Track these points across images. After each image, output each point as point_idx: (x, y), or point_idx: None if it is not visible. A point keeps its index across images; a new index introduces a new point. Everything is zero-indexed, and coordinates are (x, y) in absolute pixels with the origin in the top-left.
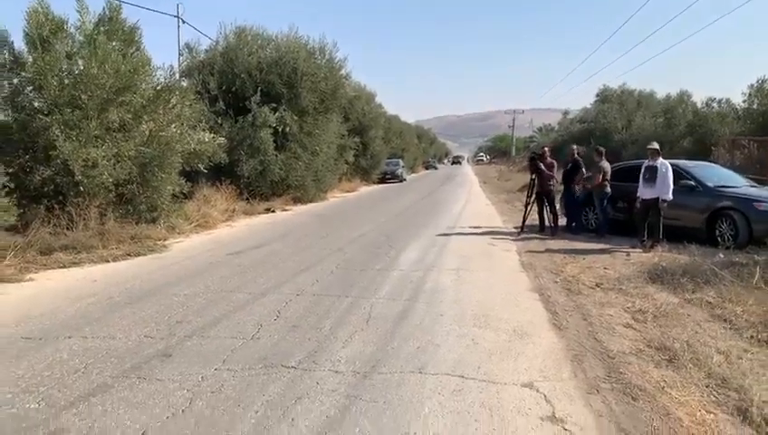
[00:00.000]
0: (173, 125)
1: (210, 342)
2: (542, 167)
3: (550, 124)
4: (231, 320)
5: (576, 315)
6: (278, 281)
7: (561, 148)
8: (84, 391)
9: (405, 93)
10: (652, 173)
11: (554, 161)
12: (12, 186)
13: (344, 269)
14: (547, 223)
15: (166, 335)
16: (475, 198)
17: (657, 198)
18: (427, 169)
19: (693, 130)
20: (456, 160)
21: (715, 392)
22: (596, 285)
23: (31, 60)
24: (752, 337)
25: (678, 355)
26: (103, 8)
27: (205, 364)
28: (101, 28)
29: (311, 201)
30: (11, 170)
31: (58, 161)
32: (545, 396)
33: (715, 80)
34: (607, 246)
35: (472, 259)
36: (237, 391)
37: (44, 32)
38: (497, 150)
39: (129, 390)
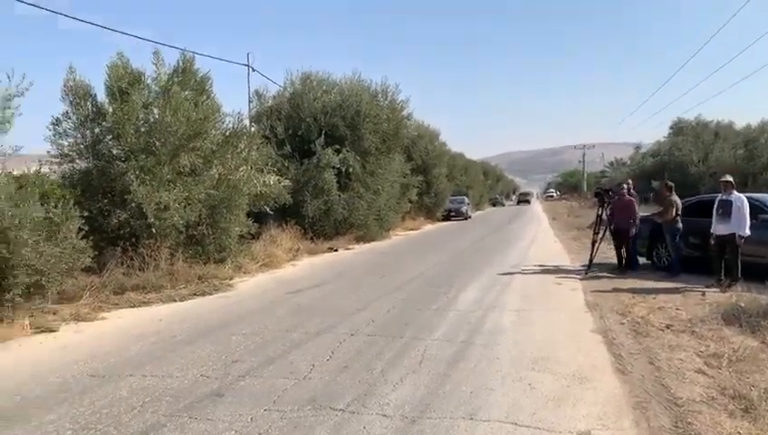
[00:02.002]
0: (241, 169)
1: (263, 382)
2: (608, 202)
3: (621, 158)
4: (285, 360)
5: (642, 359)
6: (334, 321)
7: (635, 184)
8: (138, 430)
9: (471, 131)
10: (726, 208)
11: (633, 199)
12: (87, 228)
13: (401, 309)
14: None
15: (221, 375)
16: (542, 235)
17: (734, 235)
18: (494, 205)
19: None
20: (524, 199)
21: None
22: (666, 326)
23: (111, 110)
24: None
25: (756, 404)
26: (177, 60)
27: (255, 405)
28: (175, 79)
29: (373, 240)
30: (87, 214)
31: (133, 205)
32: None
33: None
34: (679, 286)
35: (534, 299)
36: (284, 433)
37: (123, 84)
38: (567, 186)
39: (180, 430)
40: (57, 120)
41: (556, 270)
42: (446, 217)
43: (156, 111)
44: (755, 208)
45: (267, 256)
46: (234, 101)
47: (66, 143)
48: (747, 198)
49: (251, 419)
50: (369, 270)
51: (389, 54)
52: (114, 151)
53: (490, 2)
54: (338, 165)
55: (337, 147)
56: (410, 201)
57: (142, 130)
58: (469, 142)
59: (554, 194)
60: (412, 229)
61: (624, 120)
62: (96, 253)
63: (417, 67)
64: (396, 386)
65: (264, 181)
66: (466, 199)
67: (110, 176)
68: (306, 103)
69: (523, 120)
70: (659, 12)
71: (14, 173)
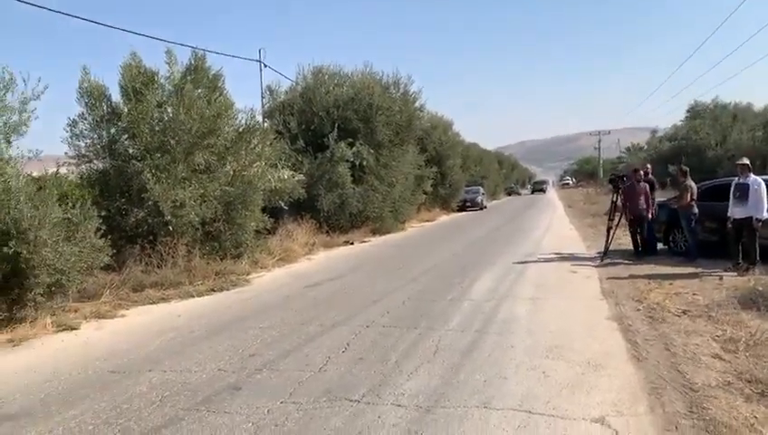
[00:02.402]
0: (255, 164)
1: (279, 375)
2: (623, 188)
3: (638, 144)
4: (301, 352)
5: (658, 345)
6: (350, 313)
7: (652, 168)
8: (157, 424)
9: (486, 120)
10: (743, 191)
11: (648, 184)
12: (105, 228)
13: (416, 300)
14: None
15: (238, 368)
16: (558, 223)
17: (751, 218)
18: (509, 195)
19: None
20: (539, 187)
21: None
22: (682, 312)
23: (126, 111)
24: None
25: None
26: (189, 58)
27: (272, 397)
28: (188, 77)
29: (388, 232)
30: (104, 213)
31: (149, 203)
32: (617, 432)
33: None
34: (697, 270)
35: (549, 287)
36: (300, 424)
37: (137, 84)
38: (583, 173)
39: (198, 422)
40: (73, 121)
41: (571, 258)
42: (462, 208)
43: (170, 109)
44: None
45: (283, 251)
46: (247, 97)
47: (83, 144)
48: (765, 180)
49: (267, 411)
50: (385, 262)
51: (400, 45)
52: (130, 151)
53: None
54: (351, 158)
55: (350, 140)
56: (425, 193)
57: (157, 128)
58: (484, 132)
59: (570, 181)
60: (427, 221)
61: (640, 104)
62: (115, 251)
63: (428, 56)
64: (410, 376)
65: (279, 176)
66: (481, 190)
67: (127, 175)
68: (318, 97)
69: (537, 107)
70: None
71: (34, 174)
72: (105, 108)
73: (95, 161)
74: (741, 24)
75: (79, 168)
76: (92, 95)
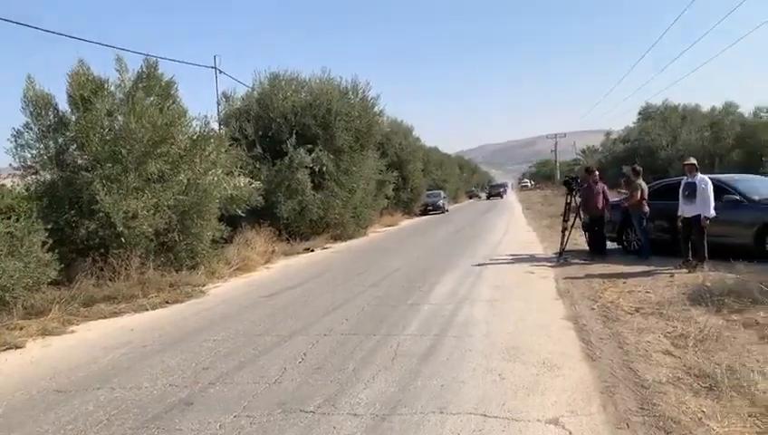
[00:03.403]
0: (210, 172)
1: (233, 388)
2: (578, 189)
3: (593, 146)
4: (256, 364)
5: (611, 344)
6: (308, 322)
7: (607, 169)
8: None
9: (446, 124)
10: (691, 190)
11: (603, 184)
12: (53, 241)
13: (375, 306)
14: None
15: (190, 383)
16: (516, 225)
17: (699, 216)
18: (470, 198)
19: (742, 143)
20: (496, 192)
21: (758, 423)
22: (635, 310)
23: (74, 120)
24: None
25: (720, 383)
26: (141, 65)
27: (225, 411)
28: (140, 85)
29: (350, 238)
30: (52, 226)
31: (100, 214)
32: (570, 433)
33: (764, 89)
34: (649, 269)
35: (507, 289)
36: None
37: (86, 92)
38: (541, 176)
39: None
40: (18, 131)
41: (529, 259)
42: (424, 212)
43: (120, 118)
44: (720, 190)
45: (241, 260)
46: (202, 104)
47: (29, 155)
48: (711, 179)
49: (219, 426)
50: (346, 269)
51: (359, 53)
52: (79, 161)
53: None
54: (311, 164)
55: (309, 146)
56: (387, 197)
57: (107, 138)
58: (445, 136)
59: (529, 184)
60: (390, 225)
61: (594, 107)
62: (64, 265)
63: (386, 64)
64: (367, 384)
65: (235, 184)
66: (443, 193)
67: (76, 186)
68: (276, 103)
69: (497, 111)
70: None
71: None
72: (52, 117)
73: (42, 172)
74: (690, 29)
75: (24, 179)
76: (38, 104)
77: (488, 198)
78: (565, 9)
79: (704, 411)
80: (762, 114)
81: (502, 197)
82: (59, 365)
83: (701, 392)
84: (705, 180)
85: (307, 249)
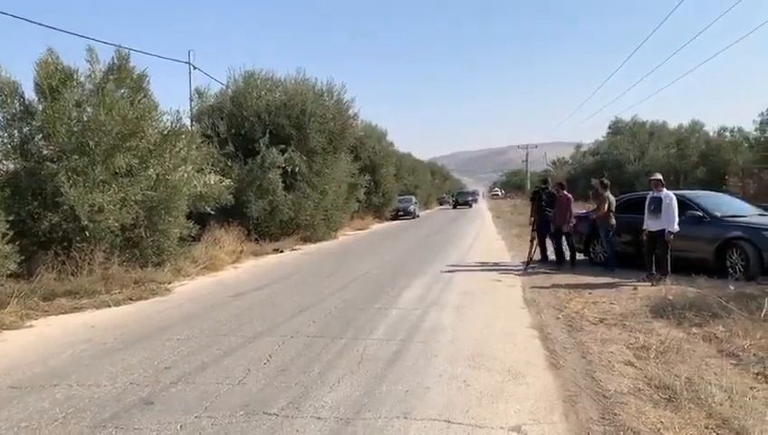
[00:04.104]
0: (180, 169)
1: (195, 388)
2: (545, 201)
3: (564, 157)
4: (219, 365)
5: (575, 353)
6: (274, 323)
7: (576, 181)
8: None
9: (419, 130)
10: (657, 204)
11: (570, 197)
12: (14, 232)
13: (342, 309)
14: (552, 256)
15: (151, 382)
16: (485, 233)
17: (664, 230)
18: (441, 205)
19: (706, 160)
20: (463, 200)
21: (714, 434)
22: (599, 320)
23: (40, 109)
24: (758, 374)
25: (679, 394)
26: (112, 57)
27: (186, 412)
28: (111, 76)
29: (321, 240)
30: (13, 217)
31: (65, 207)
32: None
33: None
34: (614, 280)
35: (474, 296)
36: None
37: (54, 81)
38: (512, 185)
39: None
40: None
41: (497, 267)
42: (395, 217)
43: (89, 109)
44: (684, 205)
45: (209, 259)
46: (175, 99)
47: None
48: (676, 195)
49: (180, 426)
50: (315, 271)
51: (336, 56)
52: (44, 152)
53: (435, 3)
54: (283, 165)
55: (282, 146)
56: (358, 201)
57: (75, 129)
58: (419, 143)
59: (499, 193)
60: (360, 229)
61: (565, 120)
62: (24, 257)
63: (365, 70)
64: (333, 387)
65: (205, 181)
66: (414, 199)
67: (40, 177)
68: (250, 102)
69: (469, 120)
70: (599, 13)
71: None
72: (18, 105)
73: (4, 162)
74: (663, 45)
75: None
76: (3, 91)
77: (454, 206)
78: (542, 22)
79: (662, 422)
80: (726, 133)
81: (470, 205)
82: (15, 360)
83: (660, 403)
84: (670, 196)
85: (276, 250)
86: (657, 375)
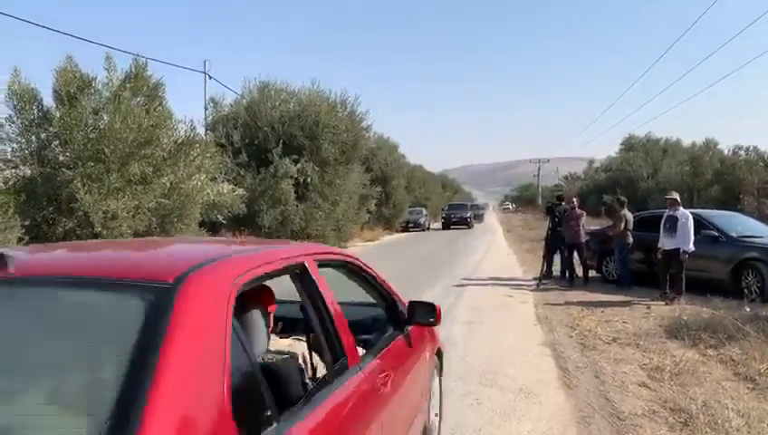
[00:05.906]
0: (193, 177)
1: None
2: (559, 215)
3: (576, 173)
4: None
5: (588, 373)
6: None
7: (588, 197)
8: None
9: (431, 144)
10: (672, 223)
11: (583, 212)
12: (29, 237)
13: None
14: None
15: None
16: (496, 248)
17: (679, 249)
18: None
19: (720, 179)
20: (458, 217)
21: None
22: (613, 339)
23: (58, 116)
24: None
25: (694, 418)
26: (130, 65)
27: None
28: (127, 84)
29: None
30: (29, 222)
31: (79, 213)
32: None
33: (744, 127)
34: (627, 299)
35: (485, 311)
36: None
37: (72, 89)
38: (523, 199)
39: None
40: None
41: (508, 283)
42: (405, 229)
43: (106, 117)
44: (699, 225)
45: None
46: (188, 108)
47: (9, 149)
48: (692, 214)
49: None
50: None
51: (350, 68)
52: (60, 158)
53: (451, 15)
54: (295, 175)
55: (295, 157)
56: (369, 212)
57: (91, 136)
58: (429, 155)
59: (510, 207)
60: (370, 240)
61: (578, 135)
62: None
63: (379, 82)
64: None
65: (218, 190)
66: (425, 211)
67: (56, 183)
68: (264, 112)
69: (481, 133)
70: (615, 27)
71: None
72: (36, 112)
73: (21, 167)
74: (677, 61)
75: (3, 173)
76: (22, 98)
77: (446, 226)
78: (556, 37)
79: None
80: (740, 152)
81: (469, 226)
82: None
83: (676, 427)
84: (686, 215)
85: None
86: (672, 398)
